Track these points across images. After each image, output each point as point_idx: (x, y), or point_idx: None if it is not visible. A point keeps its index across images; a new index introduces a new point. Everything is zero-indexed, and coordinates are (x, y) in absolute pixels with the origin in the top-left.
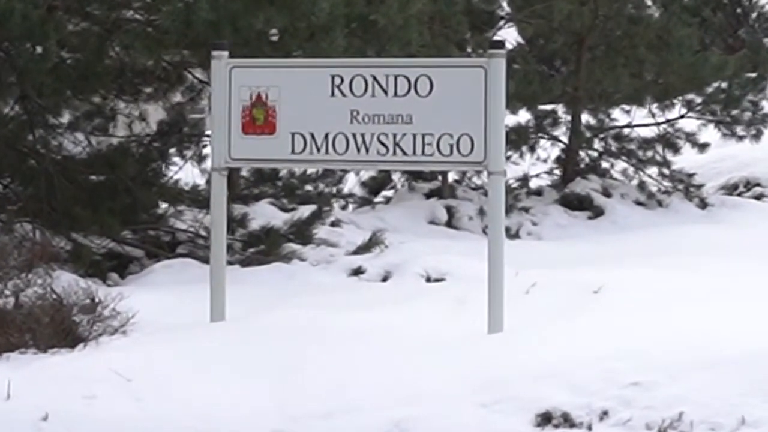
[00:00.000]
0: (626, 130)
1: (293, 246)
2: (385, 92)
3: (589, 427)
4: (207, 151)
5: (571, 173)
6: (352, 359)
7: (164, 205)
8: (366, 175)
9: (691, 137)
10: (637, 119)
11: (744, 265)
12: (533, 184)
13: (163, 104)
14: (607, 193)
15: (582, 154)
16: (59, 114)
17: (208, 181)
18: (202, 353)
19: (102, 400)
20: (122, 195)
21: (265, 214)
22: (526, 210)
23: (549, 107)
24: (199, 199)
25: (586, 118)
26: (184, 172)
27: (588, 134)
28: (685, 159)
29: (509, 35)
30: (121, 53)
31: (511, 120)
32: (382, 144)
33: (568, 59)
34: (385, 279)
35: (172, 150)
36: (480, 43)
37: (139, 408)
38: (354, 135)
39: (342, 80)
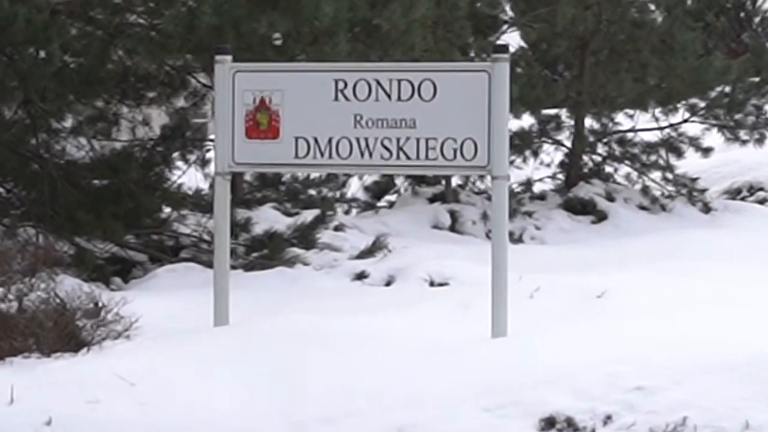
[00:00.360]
0: (630, 135)
1: (296, 250)
2: (389, 96)
3: None
4: (210, 155)
5: (574, 178)
6: (355, 364)
7: (167, 210)
8: (369, 179)
9: (694, 141)
10: (641, 123)
11: (747, 270)
12: (537, 188)
13: (166, 109)
14: (610, 198)
15: (585, 158)
16: (62, 118)
17: (212, 186)
18: (206, 358)
19: (105, 405)
20: (125, 199)
21: (268, 218)
22: (529, 214)
23: (552, 112)
24: (202, 203)
25: (589, 122)
26: (188, 177)
27: (591, 138)
28: (689, 163)
29: (512, 40)
30: (124, 57)
31: (514, 124)
32: (386, 148)
33: (572, 63)
34: (388, 283)
35: (176, 154)
36: (483, 48)
37: (142, 412)
38: (357, 139)
39: (345, 84)
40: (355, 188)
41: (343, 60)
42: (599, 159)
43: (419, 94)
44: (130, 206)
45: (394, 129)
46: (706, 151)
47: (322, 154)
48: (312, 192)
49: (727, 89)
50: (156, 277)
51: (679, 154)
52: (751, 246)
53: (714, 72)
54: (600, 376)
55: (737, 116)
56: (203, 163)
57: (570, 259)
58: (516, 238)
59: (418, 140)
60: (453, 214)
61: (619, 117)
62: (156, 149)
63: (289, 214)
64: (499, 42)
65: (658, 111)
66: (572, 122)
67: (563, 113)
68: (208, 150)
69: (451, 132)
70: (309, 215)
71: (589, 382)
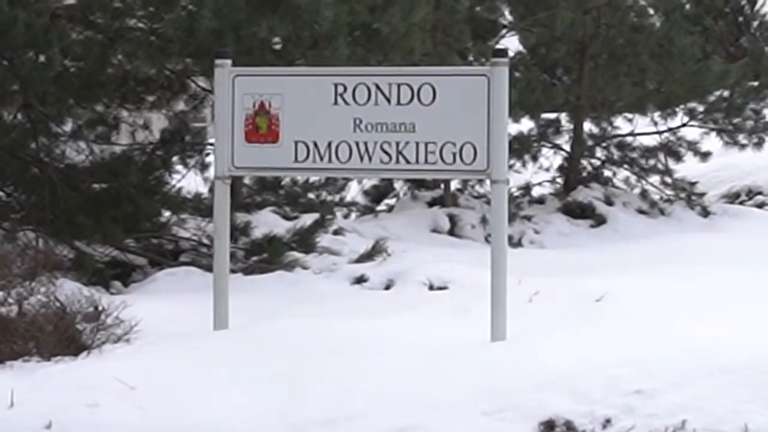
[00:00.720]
0: (628, 139)
1: (296, 254)
2: (388, 100)
3: None
4: (210, 159)
5: (573, 182)
6: (354, 367)
7: (167, 214)
8: (368, 183)
9: (693, 146)
10: (640, 128)
11: (746, 274)
12: (536, 192)
13: (166, 112)
14: (609, 202)
15: (584, 162)
16: (62, 122)
17: (211, 190)
18: (205, 361)
19: (105, 408)
20: (125, 203)
21: (267, 222)
22: (528, 218)
23: (551, 116)
24: (201, 207)
25: (588, 126)
26: (187, 181)
27: (590, 143)
28: (688, 167)
29: (511, 44)
30: (124, 62)
31: (513, 128)
32: (385, 152)
33: (571, 68)
34: (387, 287)
35: (175, 158)
36: (482, 52)
37: (142, 416)
38: (357, 143)
39: (345, 88)
40: (354, 192)
41: (343, 64)
42: (598, 163)
43: (418, 98)
44: (129, 210)
45: (393, 133)
46: (705, 156)
47: (321, 158)
48: (311, 196)
49: (726, 93)
50: (156, 280)
51: (678, 158)
52: (750, 250)
53: (712, 76)
54: (599, 380)
55: (736, 120)
56: (203, 167)
57: (569, 263)
58: (515, 242)
59: (417, 144)
60: (452, 218)
61: (618, 121)
62: (156, 153)
63: (288, 218)
64: (498, 46)
65: (656, 115)
66: (571, 126)
67: (562, 117)
68: (208, 154)
69: (450, 136)
70: (308, 219)
71: (588, 385)
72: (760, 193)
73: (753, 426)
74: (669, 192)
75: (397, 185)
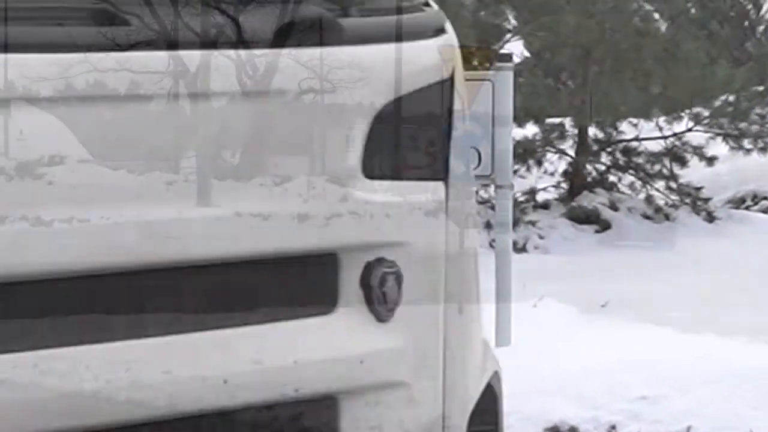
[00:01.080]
0: (633, 144)
1: None
2: None
3: None
4: None
5: (578, 187)
6: None
7: None
8: None
9: (698, 151)
10: (645, 132)
11: (751, 279)
12: (540, 197)
13: None
14: (614, 207)
15: (589, 167)
16: None
17: None
18: None
19: None
20: None
21: None
22: (532, 223)
23: (556, 120)
24: None
25: (593, 131)
26: None
27: (595, 148)
28: (693, 172)
29: (516, 48)
30: None
31: (518, 133)
32: None
33: (576, 72)
34: None
35: None
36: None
37: None
38: None
39: None
40: None
41: None
42: (603, 168)
43: None
44: None
45: None
46: (710, 160)
47: None
48: None
49: (732, 98)
50: None
51: (683, 163)
52: (756, 255)
53: (718, 81)
54: (604, 385)
55: (741, 125)
56: None
57: (574, 269)
58: (519, 248)
59: None
60: None
61: (623, 126)
62: None
63: None
64: (502, 51)
65: (662, 120)
66: (576, 131)
67: (567, 122)
68: None
69: None
70: None
71: (593, 391)
72: (765, 198)
73: None
74: (674, 197)
75: None
